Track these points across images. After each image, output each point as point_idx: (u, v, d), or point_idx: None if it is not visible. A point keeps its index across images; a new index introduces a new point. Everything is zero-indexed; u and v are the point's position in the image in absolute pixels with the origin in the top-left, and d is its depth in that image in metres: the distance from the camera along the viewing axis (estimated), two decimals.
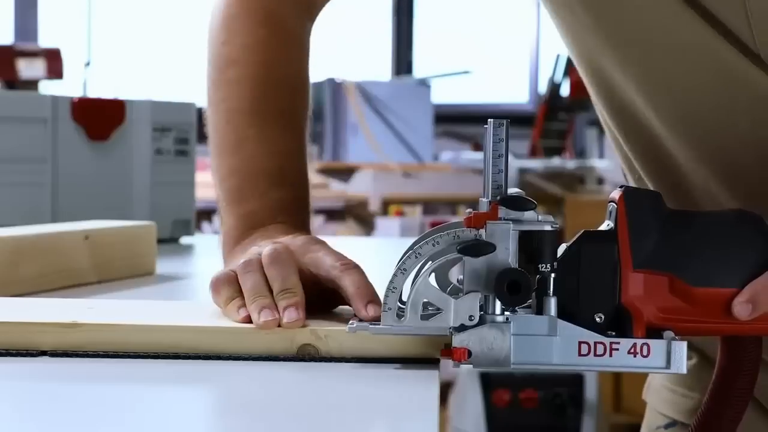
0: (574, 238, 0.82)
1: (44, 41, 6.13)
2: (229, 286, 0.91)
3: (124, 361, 0.84)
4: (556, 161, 5.37)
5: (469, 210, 0.83)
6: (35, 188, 1.64)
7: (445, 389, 3.62)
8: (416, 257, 0.82)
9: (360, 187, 4.82)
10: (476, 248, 0.79)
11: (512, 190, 0.81)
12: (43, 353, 0.84)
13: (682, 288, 0.81)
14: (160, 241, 1.72)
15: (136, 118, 1.77)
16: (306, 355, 0.85)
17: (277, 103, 1.09)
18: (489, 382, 3.47)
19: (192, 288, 1.39)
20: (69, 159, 1.68)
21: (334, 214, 4.74)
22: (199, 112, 1.92)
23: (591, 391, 3.47)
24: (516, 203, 0.80)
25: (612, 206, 0.83)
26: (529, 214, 0.80)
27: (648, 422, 1.22)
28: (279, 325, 0.86)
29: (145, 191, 1.78)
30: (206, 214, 5.06)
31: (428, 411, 0.70)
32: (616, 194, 0.83)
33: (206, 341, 0.85)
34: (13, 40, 6.15)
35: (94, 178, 1.72)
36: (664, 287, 0.81)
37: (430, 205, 4.89)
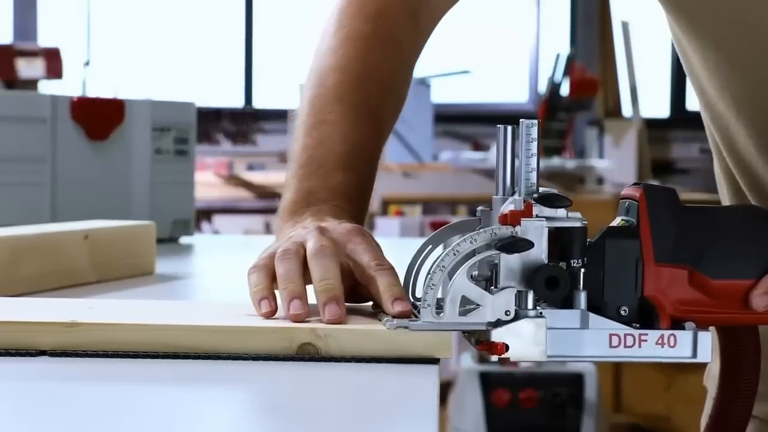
0: (598, 235, 0.85)
1: (43, 41, 6.12)
2: (259, 273, 0.92)
3: (123, 360, 0.84)
4: (555, 161, 5.37)
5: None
6: (35, 188, 1.64)
7: (445, 389, 3.62)
8: (455, 254, 0.83)
9: None
10: (515, 245, 0.82)
11: (543, 189, 0.84)
12: (43, 353, 0.84)
13: (701, 280, 0.85)
14: (160, 240, 1.72)
15: (135, 117, 1.77)
16: (306, 354, 0.85)
17: (364, 98, 1.11)
18: (488, 382, 3.47)
19: (191, 288, 1.39)
20: (68, 159, 1.68)
21: None
22: (198, 112, 1.92)
23: (591, 391, 3.47)
24: (551, 200, 0.83)
25: (628, 203, 0.86)
26: (559, 212, 0.83)
27: (708, 409, 1.23)
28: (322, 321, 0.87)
29: (145, 191, 1.78)
30: (206, 214, 5.07)
31: (427, 411, 0.70)
32: (634, 191, 0.86)
33: (206, 340, 0.85)
34: (12, 40, 6.15)
35: (94, 178, 1.72)
36: (683, 280, 0.85)
37: (429, 205, 4.89)
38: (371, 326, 0.86)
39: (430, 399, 0.73)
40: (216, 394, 0.80)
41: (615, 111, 6.22)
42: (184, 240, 1.84)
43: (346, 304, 0.89)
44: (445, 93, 6.09)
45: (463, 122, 6.18)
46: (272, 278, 0.91)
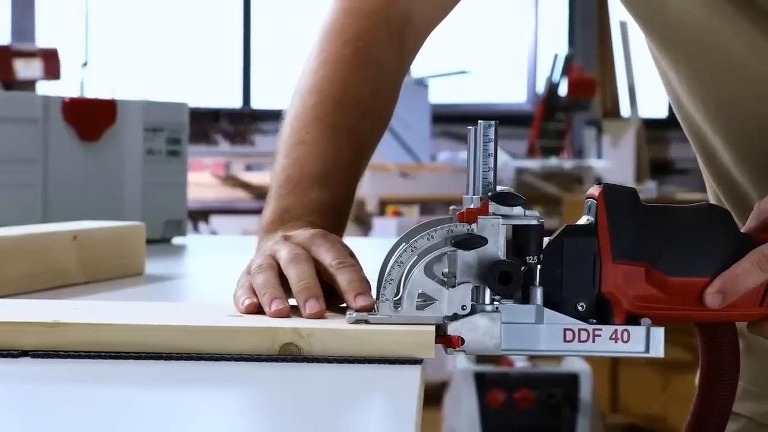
0: (557, 232, 0.87)
1: (41, 41, 6.13)
2: (243, 289, 0.94)
3: (106, 361, 0.84)
4: (553, 161, 5.36)
5: (453, 207, 0.88)
6: (26, 189, 1.64)
7: (440, 390, 3.61)
8: (412, 251, 0.86)
9: None
10: (470, 242, 0.84)
11: (500, 188, 0.86)
12: (25, 353, 0.84)
13: (658, 278, 0.87)
14: (152, 241, 1.72)
15: (127, 118, 1.77)
16: (288, 354, 0.85)
17: (343, 119, 1.13)
18: (484, 383, 3.47)
19: (181, 288, 1.38)
20: (60, 159, 1.68)
21: None
22: (197, 113, 1.92)
23: (586, 391, 3.47)
24: (505, 199, 0.85)
25: (591, 202, 0.88)
26: (516, 210, 0.85)
27: None
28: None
29: (137, 192, 1.77)
30: (203, 214, 5.07)
31: (406, 412, 0.70)
32: (595, 191, 0.88)
33: (188, 341, 0.85)
34: (10, 41, 6.15)
35: (86, 179, 1.71)
36: (641, 277, 0.86)
37: (427, 205, 4.89)
38: (354, 326, 0.86)
39: (409, 400, 0.73)
40: (199, 394, 0.80)
41: (613, 111, 6.23)
42: (176, 241, 1.84)
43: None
44: (443, 93, 6.09)
45: (461, 122, 6.16)
46: (255, 293, 0.93)
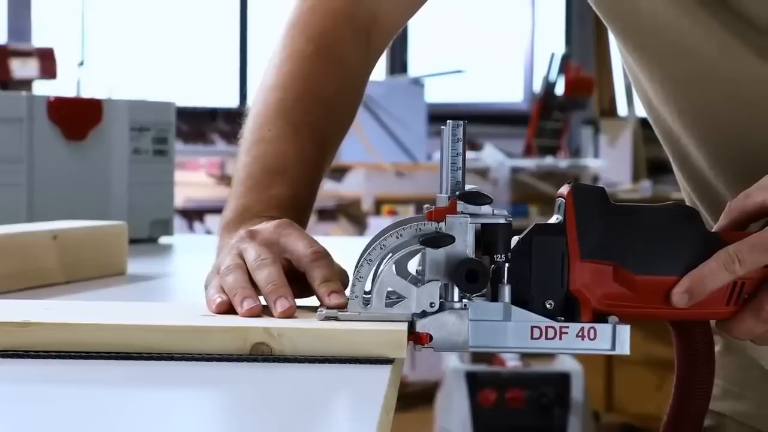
0: (526, 231, 0.88)
1: (37, 41, 6.12)
2: (212, 287, 0.94)
3: (77, 361, 0.83)
4: (549, 160, 5.36)
5: (427, 205, 0.89)
6: (11, 189, 1.63)
7: (432, 389, 3.61)
8: (381, 249, 0.87)
9: (353, 186, 4.82)
10: (437, 240, 0.85)
11: (469, 187, 0.87)
12: None
13: (626, 276, 0.87)
14: (138, 241, 1.72)
15: (113, 117, 1.77)
16: (259, 354, 0.84)
17: (305, 115, 1.12)
18: (475, 382, 3.47)
19: (163, 288, 1.38)
20: (45, 159, 1.67)
21: (326, 214, 4.74)
22: (194, 112, 1.92)
23: (577, 390, 3.47)
24: (473, 198, 0.86)
25: (560, 201, 0.89)
26: (484, 209, 0.86)
27: None
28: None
29: (123, 191, 1.77)
30: (198, 214, 5.07)
31: (371, 412, 0.70)
32: (564, 189, 0.89)
33: (159, 340, 0.84)
34: (6, 40, 6.15)
35: (71, 179, 1.71)
36: (608, 275, 0.87)
37: (422, 205, 4.87)
38: (325, 326, 0.86)
39: (375, 400, 0.73)
40: (170, 394, 0.79)
41: (610, 110, 6.22)
42: (163, 240, 1.84)
43: (299, 304, 0.90)
44: (439, 93, 6.09)
45: None
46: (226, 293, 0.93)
